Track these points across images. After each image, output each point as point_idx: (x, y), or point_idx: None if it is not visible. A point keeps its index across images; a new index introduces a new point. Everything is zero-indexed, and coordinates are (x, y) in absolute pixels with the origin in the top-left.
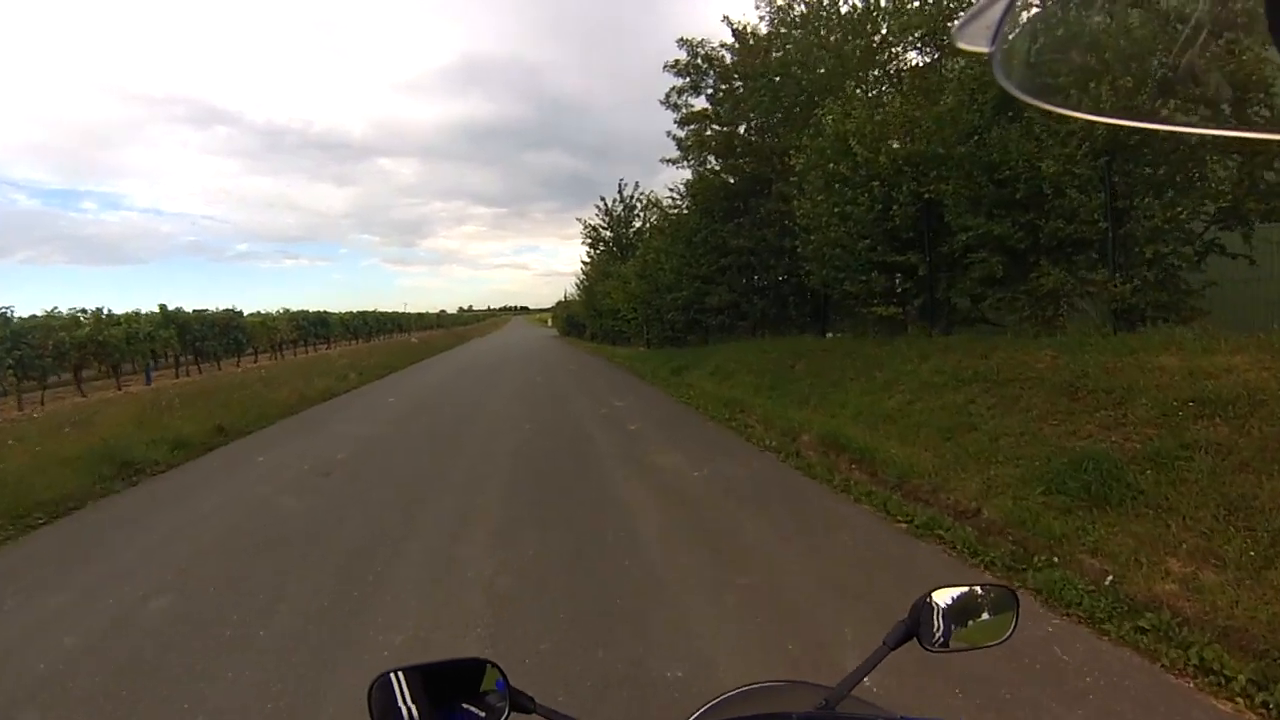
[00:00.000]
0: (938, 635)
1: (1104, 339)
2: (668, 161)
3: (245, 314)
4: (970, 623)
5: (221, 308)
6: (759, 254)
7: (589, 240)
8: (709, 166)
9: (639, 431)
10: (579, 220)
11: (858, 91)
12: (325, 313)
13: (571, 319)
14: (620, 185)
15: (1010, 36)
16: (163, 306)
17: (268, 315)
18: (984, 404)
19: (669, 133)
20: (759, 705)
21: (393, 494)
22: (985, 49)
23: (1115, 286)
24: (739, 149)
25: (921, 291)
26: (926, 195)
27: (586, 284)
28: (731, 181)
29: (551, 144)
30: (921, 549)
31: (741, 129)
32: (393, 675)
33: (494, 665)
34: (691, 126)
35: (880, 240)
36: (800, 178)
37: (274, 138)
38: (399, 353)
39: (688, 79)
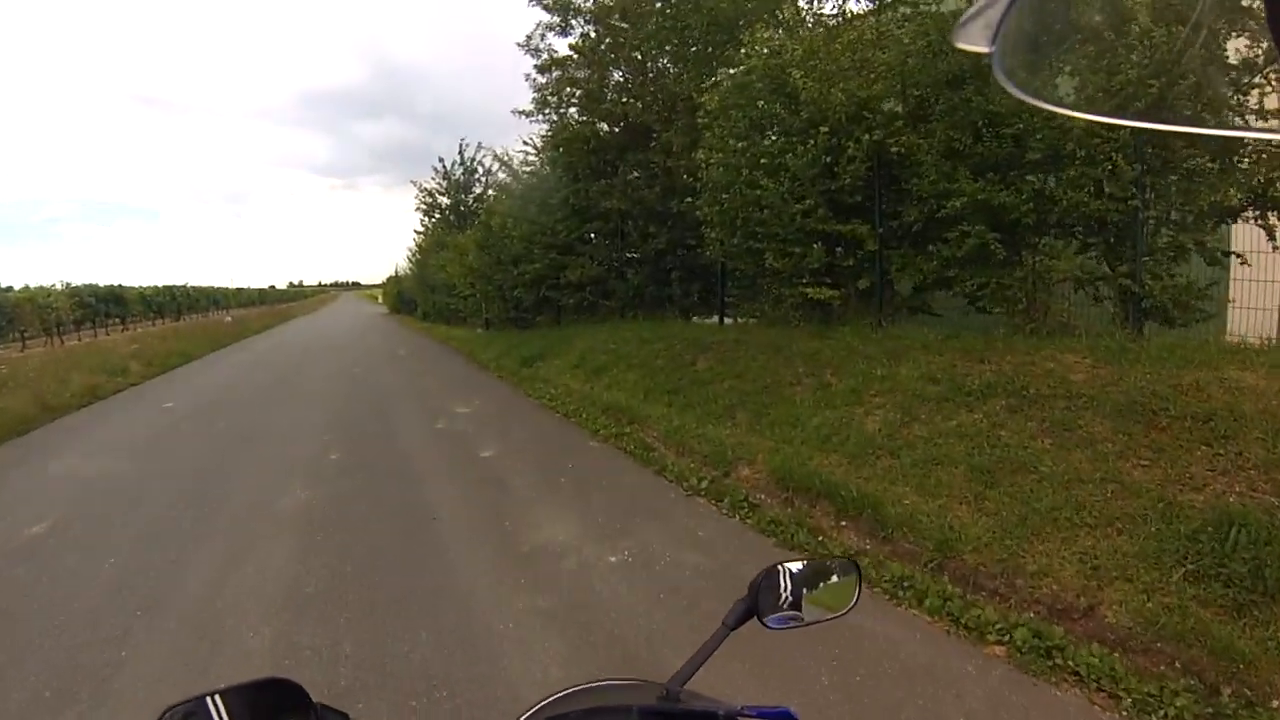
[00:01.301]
0: (780, 610)
1: (1137, 344)
2: (521, 113)
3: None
4: (812, 595)
5: None
6: (635, 218)
7: (423, 207)
8: (574, 116)
9: (497, 465)
10: (413, 183)
11: (803, 7)
12: (121, 287)
13: (402, 295)
14: (461, 146)
15: (1010, 36)
16: None
17: (38, 291)
18: (1020, 430)
19: (527, 75)
20: (594, 703)
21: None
22: (985, 49)
23: (1149, 279)
24: (616, 93)
25: (865, 271)
26: (895, 150)
27: (419, 256)
28: (605, 131)
29: (386, 112)
30: None
31: (617, 74)
32: (209, 700)
33: (301, 688)
34: (556, 73)
35: (820, 203)
36: (708, 122)
37: (87, 86)
38: (205, 336)
39: (556, 16)
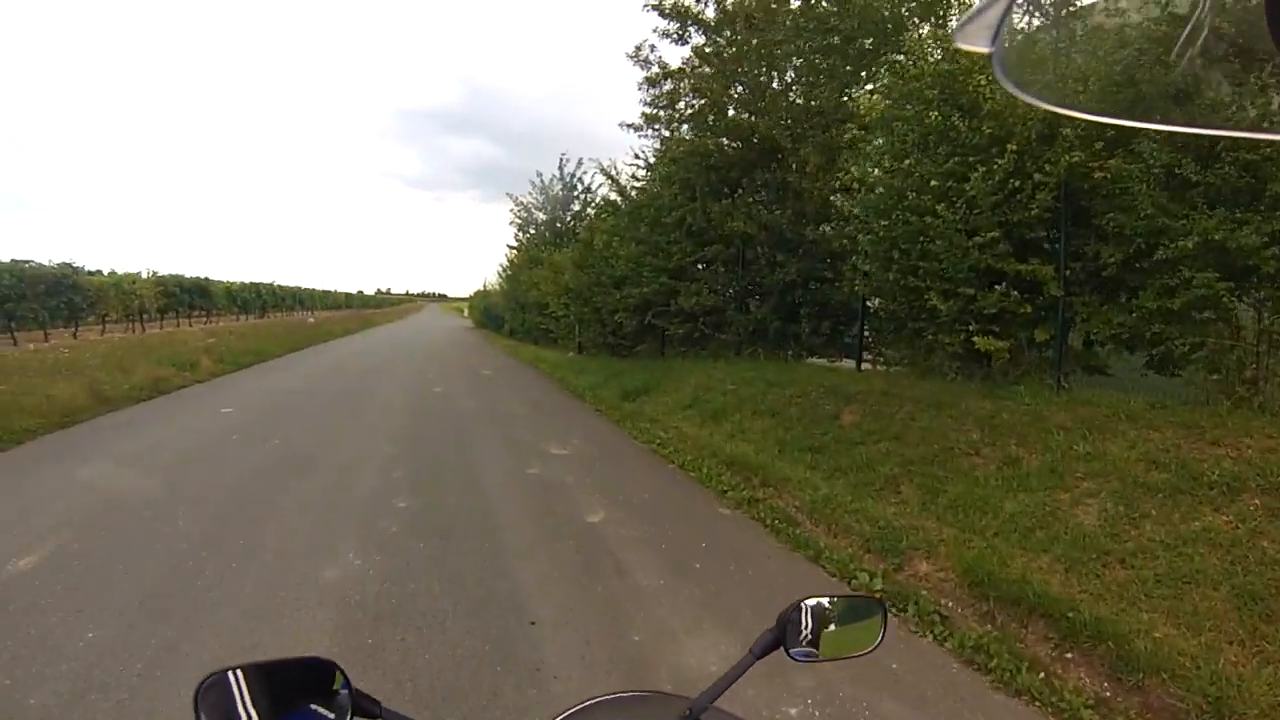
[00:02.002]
0: (805, 644)
1: None
2: (629, 127)
3: (89, 270)
4: (837, 632)
5: (57, 261)
6: (761, 244)
7: (518, 221)
8: (688, 131)
9: (608, 536)
10: (509, 196)
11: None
12: (207, 279)
13: (489, 310)
14: (561, 161)
15: (1010, 36)
16: None
17: (124, 277)
18: None
19: (639, 85)
20: (622, 714)
21: None
22: (985, 49)
23: None
24: (739, 106)
25: (1043, 320)
26: (1097, 176)
27: (510, 272)
28: (728, 146)
29: (476, 131)
30: None
31: (739, 85)
32: (230, 675)
33: (339, 668)
34: (669, 85)
35: (1001, 237)
36: (859, 136)
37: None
38: (285, 335)
39: (672, 23)
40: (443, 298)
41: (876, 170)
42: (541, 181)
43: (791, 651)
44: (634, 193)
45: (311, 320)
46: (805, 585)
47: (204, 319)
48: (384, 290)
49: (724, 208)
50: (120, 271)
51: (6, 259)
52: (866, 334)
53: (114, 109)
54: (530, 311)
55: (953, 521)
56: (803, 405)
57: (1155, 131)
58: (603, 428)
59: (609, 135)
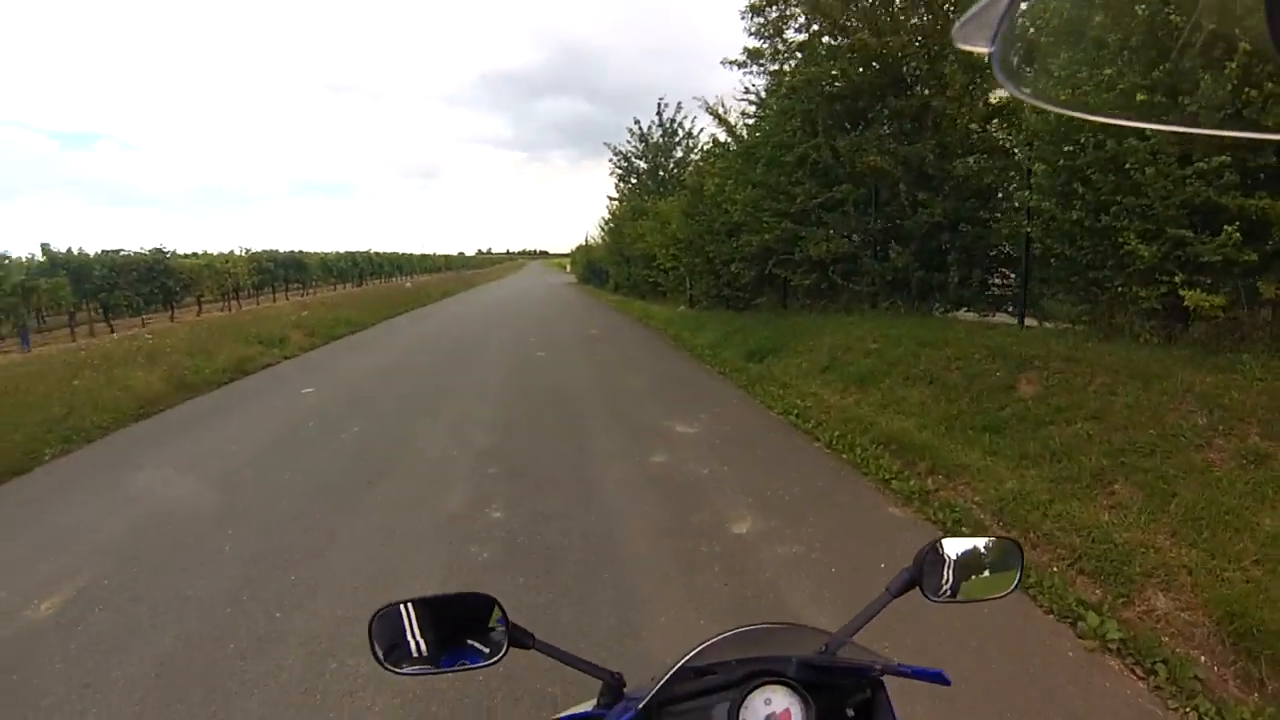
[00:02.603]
0: (943, 585)
1: None
2: (731, 63)
3: (183, 253)
4: (974, 575)
5: (149, 248)
6: (899, 181)
7: (618, 172)
8: (816, 50)
9: (760, 551)
10: (607, 145)
11: None
12: (301, 252)
13: (592, 265)
14: (660, 106)
15: (1010, 36)
16: (44, 247)
17: (216, 257)
18: None
19: (742, 14)
20: (759, 646)
21: None
22: (985, 49)
23: None
24: (861, 20)
25: (1265, 271)
26: None
27: (613, 224)
28: (854, 73)
29: (567, 90)
30: None
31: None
32: (402, 607)
33: (498, 602)
34: (773, 13)
35: (1229, 163)
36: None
37: (291, 78)
38: (380, 302)
39: None
40: (544, 254)
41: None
42: (640, 129)
43: (928, 592)
44: (745, 132)
45: (408, 285)
46: (1020, 628)
47: (300, 292)
48: (484, 251)
49: (854, 141)
50: (213, 252)
51: (98, 250)
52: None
53: (204, 97)
54: (636, 265)
55: (1193, 539)
56: (966, 371)
57: (1155, 131)
58: (730, 395)
59: (706, 87)
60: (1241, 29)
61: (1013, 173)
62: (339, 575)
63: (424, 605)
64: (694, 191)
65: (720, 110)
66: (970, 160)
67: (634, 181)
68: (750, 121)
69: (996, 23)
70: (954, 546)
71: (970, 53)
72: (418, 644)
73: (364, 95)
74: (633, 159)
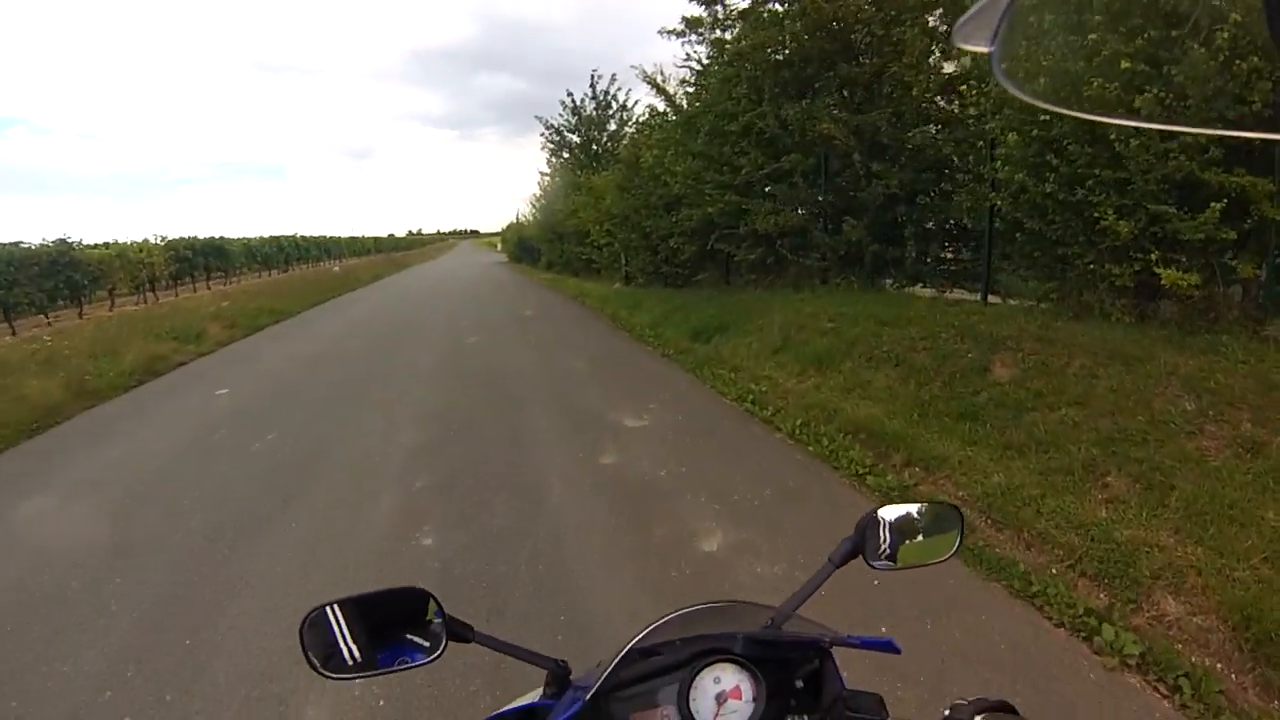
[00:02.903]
0: (884, 552)
1: None
2: (669, 33)
3: (90, 244)
4: (916, 540)
5: (52, 238)
6: (856, 151)
7: (550, 146)
8: (759, 18)
9: (743, 579)
10: (538, 119)
11: None
12: (222, 239)
13: (524, 243)
14: (593, 78)
15: (1010, 36)
16: None
17: (128, 246)
18: None
19: None
20: (705, 625)
21: None
22: (986, 49)
23: None
24: None
25: (1247, 249)
26: None
27: (544, 201)
28: (804, 37)
29: (501, 67)
30: None
31: None
32: (328, 609)
33: (432, 596)
34: None
35: (1213, 140)
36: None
37: (217, 57)
38: (307, 288)
39: None
40: (475, 234)
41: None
42: (573, 101)
43: (870, 560)
44: (685, 102)
45: (337, 269)
46: (1022, 636)
47: (223, 281)
48: (415, 232)
49: (804, 109)
50: (128, 241)
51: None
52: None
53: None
54: (569, 242)
55: (1198, 536)
56: (934, 351)
57: (1155, 131)
58: (677, 380)
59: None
60: (1242, 28)
61: (978, 143)
62: (245, 636)
63: (353, 605)
64: (629, 165)
65: (658, 79)
66: (931, 129)
67: (566, 156)
68: (690, 90)
69: (996, 22)
70: (894, 513)
71: (973, 52)
72: (349, 648)
73: (296, 75)
74: (565, 132)
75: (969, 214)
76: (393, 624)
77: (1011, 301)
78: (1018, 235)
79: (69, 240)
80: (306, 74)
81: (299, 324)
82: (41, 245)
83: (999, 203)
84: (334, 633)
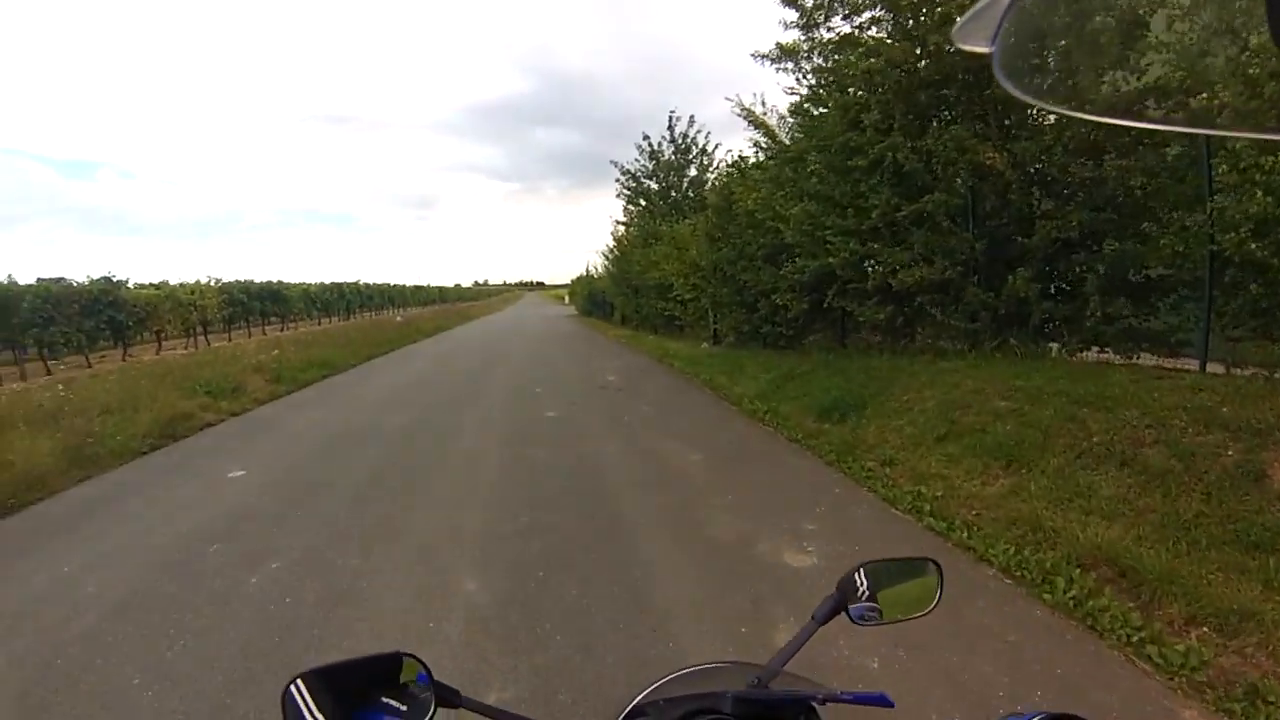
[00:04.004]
0: (867, 608)
1: None
2: (761, 58)
3: (144, 282)
4: (896, 595)
5: (97, 276)
6: (1014, 187)
7: (626, 193)
8: (881, 38)
9: None
10: (613, 164)
11: None
12: (279, 283)
13: (594, 296)
14: (671, 120)
15: (1010, 36)
16: None
17: (178, 288)
18: None
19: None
20: (694, 687)
21: None
22: (986, 49)
23: None
24: None
25: None
26: None
27: (618, 251)
28: (943, 52)
29: (557, 120)
30: None
31: None
32: (291, 686)
33: (414, 657)
34: None
35: None
36: None
37: (286, 109)
38: (364, 339)
39: None
40: (540, 285)
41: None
42: (650, 145)
43: (853, 616)
44: (787, 138)
45: (399, 319)
46: None
47: (279, 326)
48: (480, 282)
49: (954, 135)
50: (179, 282)
51: (33, 279)
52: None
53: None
54: (647, 295)
55: None
56: (1171, 446)
57: (1155, 131)
58: (825, 480)
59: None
60: (1242, 28)
61: (1187, 173)
62: None
63: (319, 676)
64: (719, 211)
65: (758, 113)
66: (1113, 159)
67: (643, 204)
68: (800, 122)
69: (997, 22)
70: (873, 568)
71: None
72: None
73: (362, 126)
74: (641, 179)
75: (1174, 260)
76: (370, 688)
77: (1237, 371)
78: (1254, 287)
79: (113, 278)
80: (370, 126)
81: (350, 381)
82: (84, 283)
83: (1225, 245)
84: (300, 709)
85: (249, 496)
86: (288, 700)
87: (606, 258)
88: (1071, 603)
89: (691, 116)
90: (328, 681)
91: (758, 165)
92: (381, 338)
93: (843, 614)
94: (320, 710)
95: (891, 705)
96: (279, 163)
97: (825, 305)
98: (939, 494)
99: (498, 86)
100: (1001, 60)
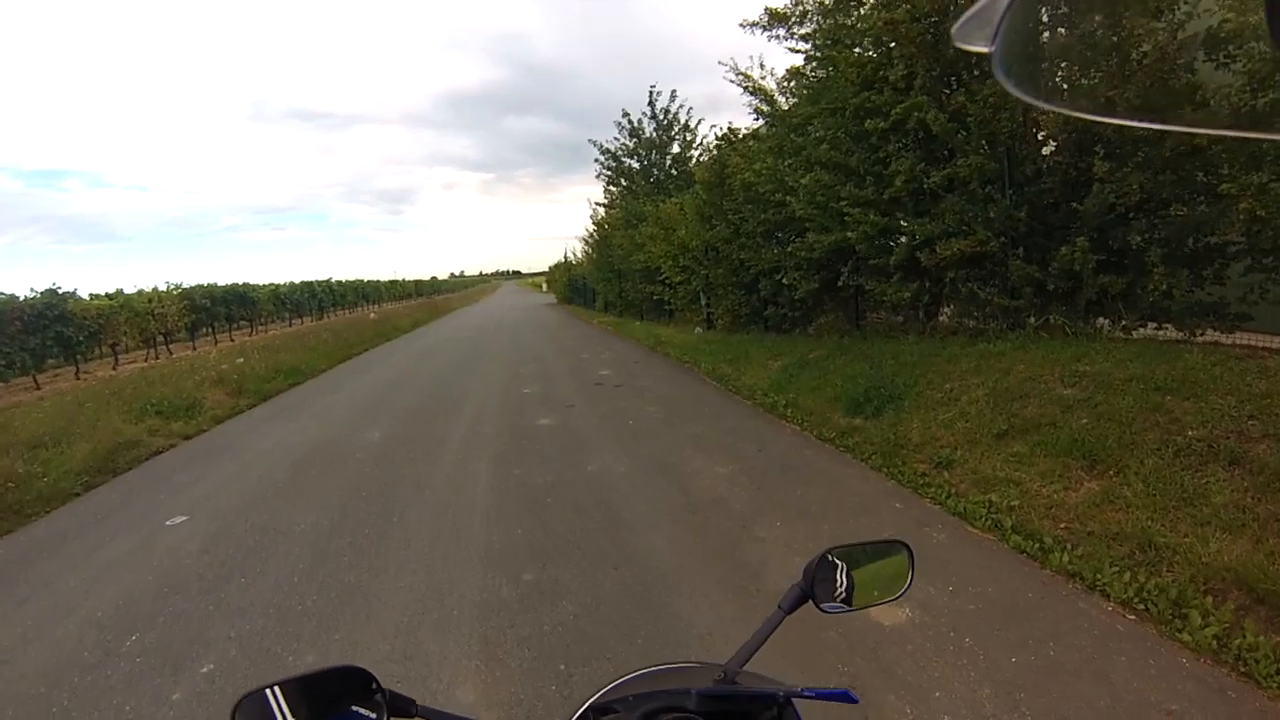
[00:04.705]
0: (837, 595)
1: None
2: (751, 26)
3: (97, 294)
4: (865, 580)
5: (41, 289)
6: (1065, 147)
7: (606, 173)
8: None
9: None
10: (592, 142)
11: None
12: (245, 285)
13: (574, 282)
14: (652, 95)
15: (1011, 36)
16: None
17: (134, 296)
18: None
19: None
20: (656, 685)
21: None
22: (986, 49)
23: None
24: None
25: None
26: None
27: (599, 235)
28: None
29: (530, 109)
30: None
31: None
32: (268, 691)
33: (368, 673)
34: None
35: None
36: None
37: (256, 107)
38: (336, 342)
39: None
40: (517, 274)
41: None
42: (630, 122)
43: (821, 604)
44: (790, 102)
45: (373, 316)
46: None
47: (248, 331)
48: (457, 274)
49: (995, 90)
50: (135, 290)
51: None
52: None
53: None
54: (632, 280)
55: None
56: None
57: (1155, 131)
58: (877, 492)
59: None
60: (1242, 28)
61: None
62: None
63: (295, 685)
64: (711, 186)
65: (755, 79)
66: (1186, 110)
67: (625, 184)
68: (808, 82)
69: (997, 22)
70: (840, 553)
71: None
72: None
73: (335, 123)
74: (622, 158)
75: (1250, 226)
76: (328, 702)
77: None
78: None
79: (58, 290)
80: (344, 121)
81: (319, 388)
82: (28, 297)
83: None
84: (271, 712)
85: (186, 555)
86: (261, 702)
87: (587, 242)
88: (1214, 643)
89: (674, 92)
90: (300, 690)
91: (753, 135)
92: (354, 338)
93: (809, 603)
94: (294, 715)
95: (855, 701)
96: (251, 163)
97: (840, 284)
98: (1015, 504)
99: (468, 75)
100: (1002, 60)
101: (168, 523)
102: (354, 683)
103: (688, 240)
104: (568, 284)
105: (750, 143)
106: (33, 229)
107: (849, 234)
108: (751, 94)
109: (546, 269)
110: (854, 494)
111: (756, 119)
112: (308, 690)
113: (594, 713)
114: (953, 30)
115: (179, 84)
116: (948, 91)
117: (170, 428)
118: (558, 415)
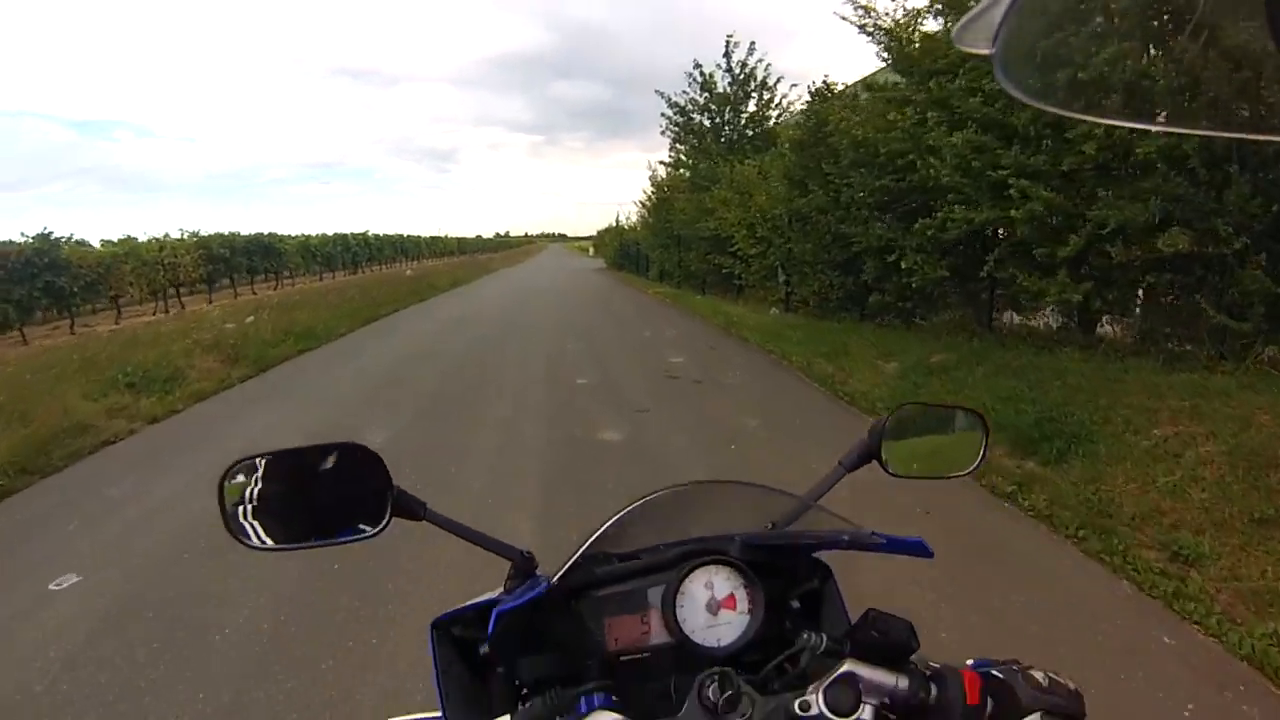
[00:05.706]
0: (902, 459)
1: None
2: None
3: (87, 242)
4: (936, 447)
5: (32, 234)
6: None
7: (673, 130)
8: None
9: None
10: (659, 94)
11: None
12: (270, 235)
13: (626, 248)
14: (728, 46)
15: (1011, 37)
16: None
17: (143, 245)
18: None
19: None
20: (697, 514)
21: None
22: (986, 50)
23: None
24: None
25: None
26: None
27: (657, 198)
28: None
29: (579, 73)
30: None
31: None
32: (258, 460)
33: (379, 458)
34: None
35: None
36: None
37: (305, 64)
38: (364, 299)
39: None
40: (563, 237)
41: None
42: (702, 75)
43: (887, 466)
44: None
45: (409, 272)
46: None
47: (273, 284)
48: (502, 234)
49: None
50: (147, 238)
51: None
52: None
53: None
54: (696, 248)
55: None
56: None
57: (1154, 131)
58: (1093, 594)
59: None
60: (1242, 28)
61: None
62: None
63: (286, 457)
64: (802, 146)
65: (873, 14)
66: None
67: (695, 142)
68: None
69: (997, 23)
70: (912, 414)
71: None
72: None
73: (383, 81)
74: (692, 113)
75: None
76: (331, 487)
77: None
78: None
79: (50, 235)
80: (391, 80)
81: (331, 356)
82: (19, 242)
83: None
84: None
85: (54, 667)
86: (246, 471)
87: (644, 206)
88: None
89: (752, 44)
90: (288, 464)
91: (866, 85)
92: (385, 296)
93: (874, 462)
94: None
95: (930, 555)
96: (298, 118)
97: (983, 274)
98: None
99: (517, 38)
100: (1003, 61)
101: (51, 586)
102: (358, 464)
103: (768, 208)
104: (619, 249)
105: (862, 95)
106: (84, 178)
107: (1013, 212)
108: (872, 34)
109: (594, 233)
110: (1087, 610)
111: (887, 65)
112: (300, 464)
113: (618, 558)
114: (953, 31)
115: (228, 37)
116: (1173, 32)
117: (138, 406)
118: (626, 426)
